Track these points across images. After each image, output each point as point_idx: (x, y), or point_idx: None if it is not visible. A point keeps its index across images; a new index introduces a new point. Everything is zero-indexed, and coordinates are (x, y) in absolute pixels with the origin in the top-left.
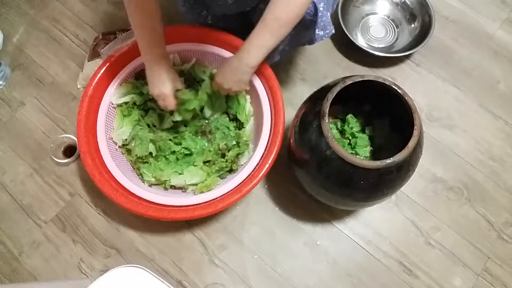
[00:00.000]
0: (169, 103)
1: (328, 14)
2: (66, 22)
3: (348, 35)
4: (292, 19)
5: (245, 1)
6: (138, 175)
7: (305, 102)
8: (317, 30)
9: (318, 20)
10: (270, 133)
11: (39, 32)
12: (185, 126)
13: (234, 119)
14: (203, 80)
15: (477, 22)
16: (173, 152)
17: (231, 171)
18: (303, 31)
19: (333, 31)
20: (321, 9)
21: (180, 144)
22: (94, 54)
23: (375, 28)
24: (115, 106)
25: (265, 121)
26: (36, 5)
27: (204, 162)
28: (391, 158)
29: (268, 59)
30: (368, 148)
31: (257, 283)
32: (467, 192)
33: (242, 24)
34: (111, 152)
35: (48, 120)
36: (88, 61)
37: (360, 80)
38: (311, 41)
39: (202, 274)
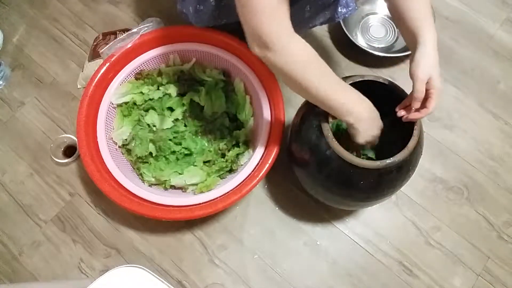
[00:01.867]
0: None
1: None
2: (66, 22)
3: (348, 35)
4: None
5: None
6: (138, 175)
7: (305, 102)
8: (339, 8)
9: None
10: (270, 133)
11: (39, 32)
12: (185, 126)
13: (234, 119)
14: (203, 80)
15: (477, 22)
16: (173, 152)
17: (231, 171)
18: (322, 10)
19: (356, 8)
20: None
21: (180, 144)
22: (94, 54)
23: (375, 28)
24: (115, 106)
25: (265, 121)
26: (36, 5)
27: (204, 162)
28: (391, 158)
29: None
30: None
31: (257, 283)
32: (467, 192)
33: None
34: (111, 152)
35: (48, 120)
36: (89, 61)
37: (360, 80)
38: (331, 20)
39: (202, 274)
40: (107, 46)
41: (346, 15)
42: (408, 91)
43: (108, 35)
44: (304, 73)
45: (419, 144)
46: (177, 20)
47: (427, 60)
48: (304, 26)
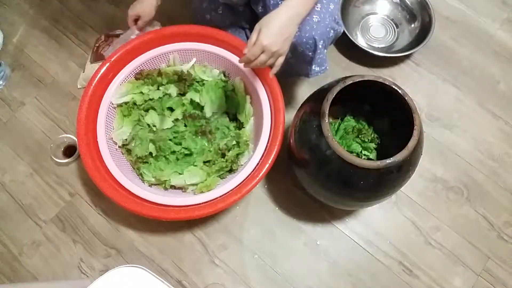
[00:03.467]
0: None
1: (325, 51)
2: (66, 22)
3: (348, 35)
4: None
5: None
6: (138, 175)
7: (305, 102)
8: (313, 65)
9: (316, 56)
10: (270, 133)
11: (39, 32)
12: (185, 126)
13: (234, 119)
14: (203, 80)
15: (477, 22)
16: (173, 152)
17: (231, 171)
18: (300, 64)
19: (328, 68)
20: (320, 46)
21: (180, 144)
22: (97, 56)
23: (375, 28)
24: (115, 106)
25: (265, 121)
26: (36, 5)
27: (204, 162)
28: (391, 158)
29: None
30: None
31: (257, 283)
32: (467, 192)
33: (250, 21)
34: (111, 152)
35: (48, 120)
36: (91, 62)
37: (360, 80)
38: (307, 75)
39: (202, 274)
40: (110, 48)
41: (319, 74)
42: (408, 91)
43: (111, 37)
44: None
45: (419, 144)
46: (177, 20)
47: (267, 16)
48: (285, 75)
